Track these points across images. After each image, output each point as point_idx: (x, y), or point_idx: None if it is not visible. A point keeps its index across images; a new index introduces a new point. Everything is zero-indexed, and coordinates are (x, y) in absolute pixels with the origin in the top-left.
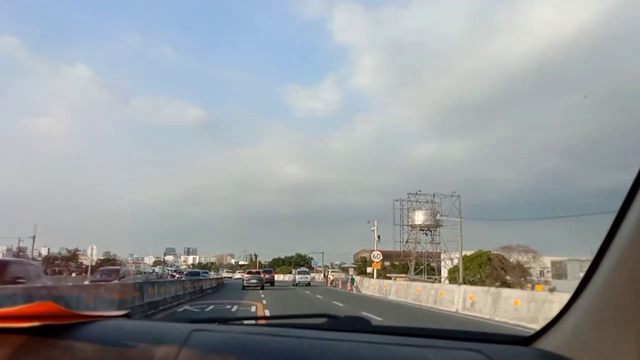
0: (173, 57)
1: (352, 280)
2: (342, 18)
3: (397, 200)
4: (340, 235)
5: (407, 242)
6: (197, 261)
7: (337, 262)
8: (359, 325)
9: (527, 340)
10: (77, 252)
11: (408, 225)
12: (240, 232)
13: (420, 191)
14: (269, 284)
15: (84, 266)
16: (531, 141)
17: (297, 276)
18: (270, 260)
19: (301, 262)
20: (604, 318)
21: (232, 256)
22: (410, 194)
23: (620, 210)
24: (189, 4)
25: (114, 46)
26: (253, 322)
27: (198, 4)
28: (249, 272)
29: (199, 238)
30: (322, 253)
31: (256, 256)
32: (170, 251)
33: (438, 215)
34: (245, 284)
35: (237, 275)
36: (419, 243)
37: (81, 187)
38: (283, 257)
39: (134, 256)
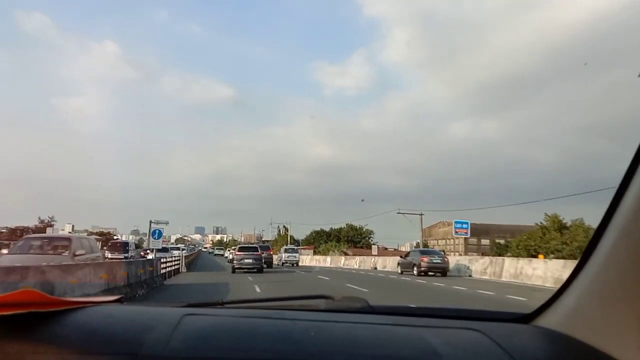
0: (200, 34)
1: None
2: None
3: None
4: (375, 217)
5: None
6: (225, 240)
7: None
8: (357, 306)
9: (527, 317)
10: (52, 223)
11: None
12: (271, 212)
13: None
14: (265, 266)
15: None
16: (571, 121)
17: (283, 254)
18: (309, 233)
19: (355, 235)
20: (606, 294)
21: (261, 235)
22: None
23: (621, 185)
24: None
25: (141, 23)
26: (247, 304)
27: None
28: (241, 249)
29: (229, 217)
30: (421, 214)
31: (287, 229)
32: (199, 230)
33: None
34: (236, 266)
35: (227, 253)
36: None
37: (111, 166)
38: (328, 229)
39: (163, 235)
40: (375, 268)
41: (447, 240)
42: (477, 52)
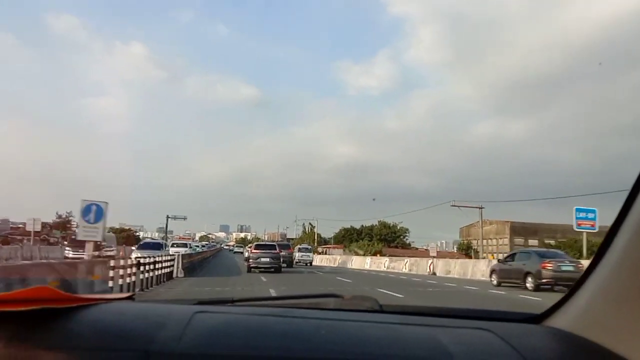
0: (226, 34)
1: None
2: None
3: None
4: (398, 217)
5: None
6: (248, 238)
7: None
8: (367, 305)
9: (537, 318)
10: (70, 218)
11: None
12: (295, 211)
13: None
14: (284, 265)
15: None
16: (599, 121)
17: (297, 254)
18: (338, 231)
19: (389, 234)
20: (618, 295)
21: (286, 233)
22: None
23: (635, 184)
24: None
25: (167, 24)
26: (258, 302)
27: None
28: (258, 246)
29: (254, 216)
30: (481, 207)
31: (312, 227)
32: (224, 228)
33: None
34: (252, 265)
35: (245, 251)
36: None
37: (137, 166)
38: (359, 227)
39: (186, 232)
40: (434, 274)
41: (489, 241)
42: (503, 51)
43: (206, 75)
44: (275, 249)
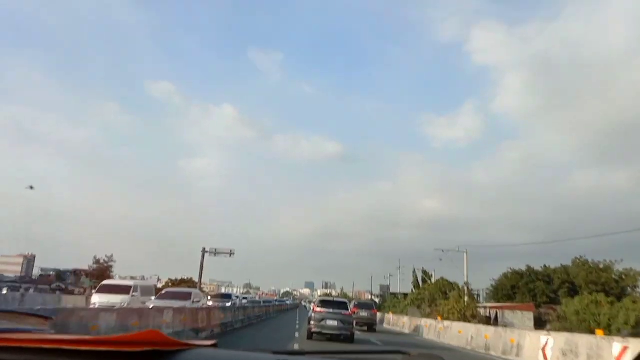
0: (310, 93)
1: None
2: (481, 38)
3: None
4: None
5: None
6: (334, 294)
7: None
8: None
9: None
10: (111, 264)
11: None
12: (381, 269)
13: None
14: (365, 329)
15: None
16: None
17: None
18: (497, 278)
19: (608, 282)
20: None
21: (388, 286)
22: None
23: None
24: (325, 43)
25: (256, 86)
26: (329, 356)
27: (333, 42)
28: (323, 303)
29: (339, 272)
30: None
31: (429, 276)
32: (308, 285)
33: None
34: (314, 330)
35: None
36: None
37: (222, 221)
38: (540, 267)
39: (272, 289)
40: None
41: None
42: (602, 94)
43: (292, 134)
44: (346, 309)
